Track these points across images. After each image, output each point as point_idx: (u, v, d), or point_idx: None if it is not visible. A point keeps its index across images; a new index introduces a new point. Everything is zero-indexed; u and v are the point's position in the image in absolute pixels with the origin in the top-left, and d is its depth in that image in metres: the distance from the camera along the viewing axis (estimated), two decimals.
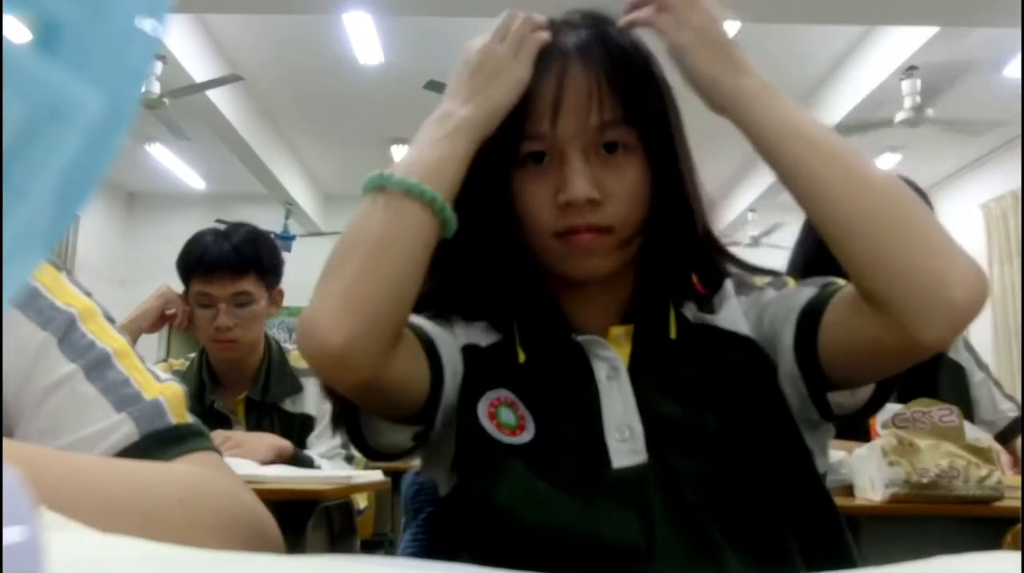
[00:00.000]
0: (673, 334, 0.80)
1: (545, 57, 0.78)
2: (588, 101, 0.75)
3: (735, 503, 0.71)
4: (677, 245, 0.81)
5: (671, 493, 0.71)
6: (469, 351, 0.80)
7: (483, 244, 0.80)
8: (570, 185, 0.75)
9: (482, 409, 0.75)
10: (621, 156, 0.77)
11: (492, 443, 0.74)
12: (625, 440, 0.74)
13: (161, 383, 0.66)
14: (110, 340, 0.66)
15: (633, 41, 0.80)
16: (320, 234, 9.12)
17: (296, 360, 2.06)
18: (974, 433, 1.49)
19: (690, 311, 0.83)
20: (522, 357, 0.80)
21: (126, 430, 0.61)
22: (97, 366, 0.63)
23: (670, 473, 0.72)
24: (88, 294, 0.69)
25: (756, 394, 0.77)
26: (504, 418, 0.75)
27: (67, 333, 0.64)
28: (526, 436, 0.74)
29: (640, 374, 0.78)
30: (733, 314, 0.83)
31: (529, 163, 0.78)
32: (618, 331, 0.81)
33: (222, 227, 2.06)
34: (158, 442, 0.62)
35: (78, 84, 0.12)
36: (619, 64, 0.77)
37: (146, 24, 0.13)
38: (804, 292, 0.77)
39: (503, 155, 0.78)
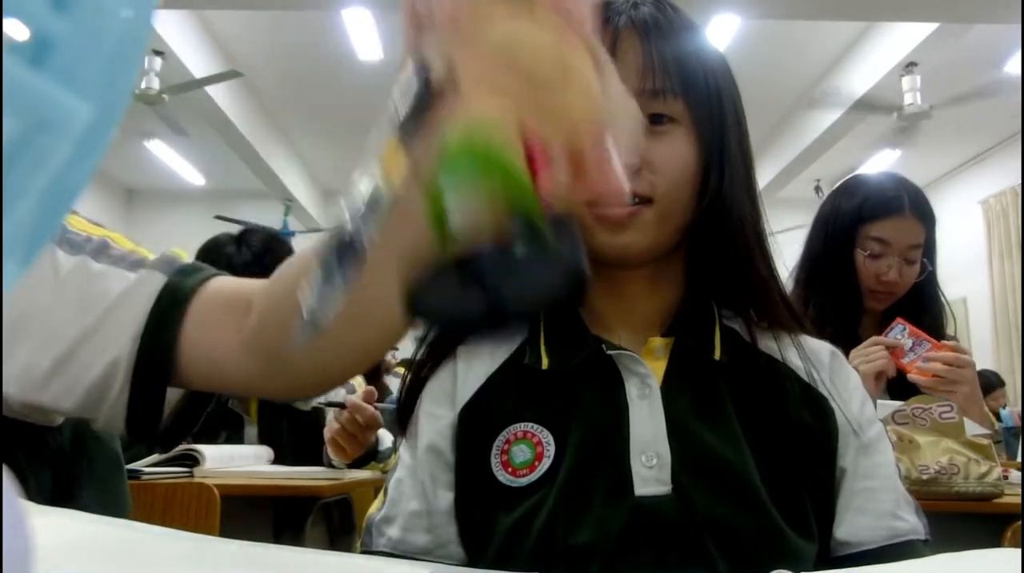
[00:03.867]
0: (717, 354, 0.74)
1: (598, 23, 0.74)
2: (637, 68, 0.71)
3: (753, 557, 0.65)
4: (723, 240, 0.75)
5: (690, 536, 0.65)
6: (472, 407, 0.74)
7: None
8: None
9: (495, 460, 0.70)
10: (667, 128, 0.72)
11: (500, 490, 0.69)
12: (651, 467, 0.68)
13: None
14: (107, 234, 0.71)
15: (692, 22, 0.77)
16: (319, 230, 9.12)
17: None
18: (974, 430, 1.49)
19: (743, 329, 0.77)
20: (546, 362, 0.74)
21: (155, 278, 0.66)
22: (100, 250, 0.68)
23: (691, 512, 0.66)
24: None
25: (810, 454, 0.71)
26: (517, 458, 0.70)
27: (62, 236, 0.68)
28: (544, 464, 0.69)
29: (674, 394, 0.71)
30: (801, 351, 0.77)
31: None
32: (657, 343, 0.75)
33: (235, 231, 2.05)
34: (186, 273, 0.67)
35: (69, 96, 0.12)
36: (672, 37, 0.73)
37: (132, 36, 0.13)
38: (887, 497, 0.73)
39: None
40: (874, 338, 1.60)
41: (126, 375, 0.64)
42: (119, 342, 0.63)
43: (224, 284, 0.68)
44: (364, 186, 0.24)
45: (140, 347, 0.64)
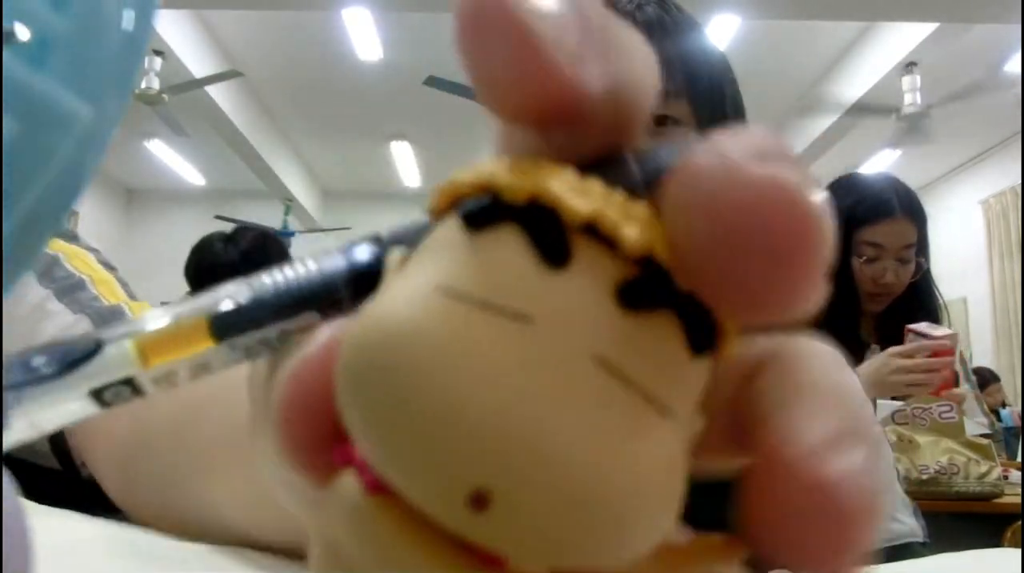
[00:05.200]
0: None
1: None
2: None
3: (751, 559, 0.67)
4: None
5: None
6: None
7: None
8: None
9: None
10: (672, 130, 0.72)
11: None
12: None
13: (135, 302, 0.66)
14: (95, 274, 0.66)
15: (696, 23, 0.77)
16: (319, 230, 9.12)
17: None
18: (974, 430, 1.49)
19: None
20: None
21: (82, 326, 0.60)
22: (68, 290, 0.63)
23: (689, 514, 0.67)
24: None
25: None
26: None
27: (47, 268, 0.64)
28: None
29: None
30: None
31: None
32: None
33: (229, 230, 2.06)
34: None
35: (69, 96, 0.12)
36: (676, 37, 0.73)
37: (133, 36, 0.13)
38: None
39: None
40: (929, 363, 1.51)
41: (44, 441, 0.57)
42: None
43: None
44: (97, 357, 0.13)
45: None
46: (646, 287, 0.11)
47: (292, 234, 8.78)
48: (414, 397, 0.10)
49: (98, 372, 0.13)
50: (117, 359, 0.13)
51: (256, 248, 1.97)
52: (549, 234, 0.11)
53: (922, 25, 5.19)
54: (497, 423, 0.10)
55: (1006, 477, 1.57)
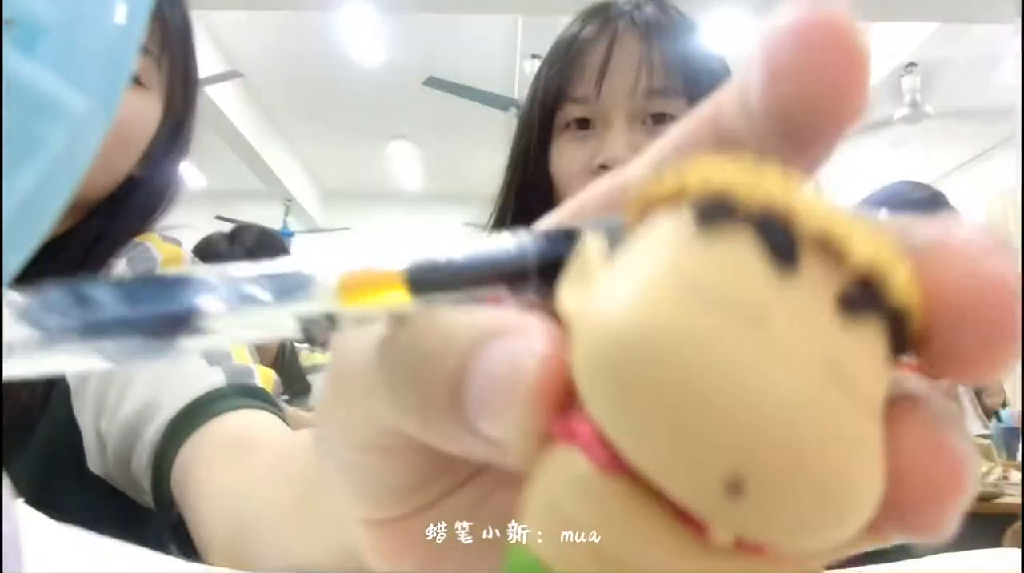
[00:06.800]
0: None
1: (599, 23, 0.76)
2: (637, 67, 0.73)
3: None
4: None
5: None
6: None
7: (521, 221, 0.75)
8: (607, 147, 0.72)
9: None
10: (670, 127, 0.72)
11: None
12: None
13: (257, 364, 0.67)
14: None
15: (694, 24, 0.78)
16: (319, 231, 9.12)
17: (305, 359, 2.07)
18: (973, 429, 1.49)
19: None
20: None
21: (216, 377, 0.61)
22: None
23: None
24: None
25: None
26: None
27: None
28: None
29: None
30: None
31: (572, 129, 0.75)
32: None
33: (229, 229, 2.06)
34: (241, 392, 0.62)
35: (61, 85, 0.12)
36: (673, 36, 0.75)
37: (126, 27, 0.13)
38: None
39: (544, 123, 0.76)
40: None
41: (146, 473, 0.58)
42: (153, 428, 0.59)
43: (248, 422, 0.57)
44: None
45: (155, 453, 0.57)
46: (866, 297, 0.12)
47: (292, 235, 8.78)
48: (671, 391, 0.11)
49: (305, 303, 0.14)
50: (322, 294, 0.14)
51: (260, 246, 1.98)
52: (784, 242, 0.12)
53: (922, 25, 5.20)
54: (750, 416, 0.11)
55: (1006, 478, 1.57)
